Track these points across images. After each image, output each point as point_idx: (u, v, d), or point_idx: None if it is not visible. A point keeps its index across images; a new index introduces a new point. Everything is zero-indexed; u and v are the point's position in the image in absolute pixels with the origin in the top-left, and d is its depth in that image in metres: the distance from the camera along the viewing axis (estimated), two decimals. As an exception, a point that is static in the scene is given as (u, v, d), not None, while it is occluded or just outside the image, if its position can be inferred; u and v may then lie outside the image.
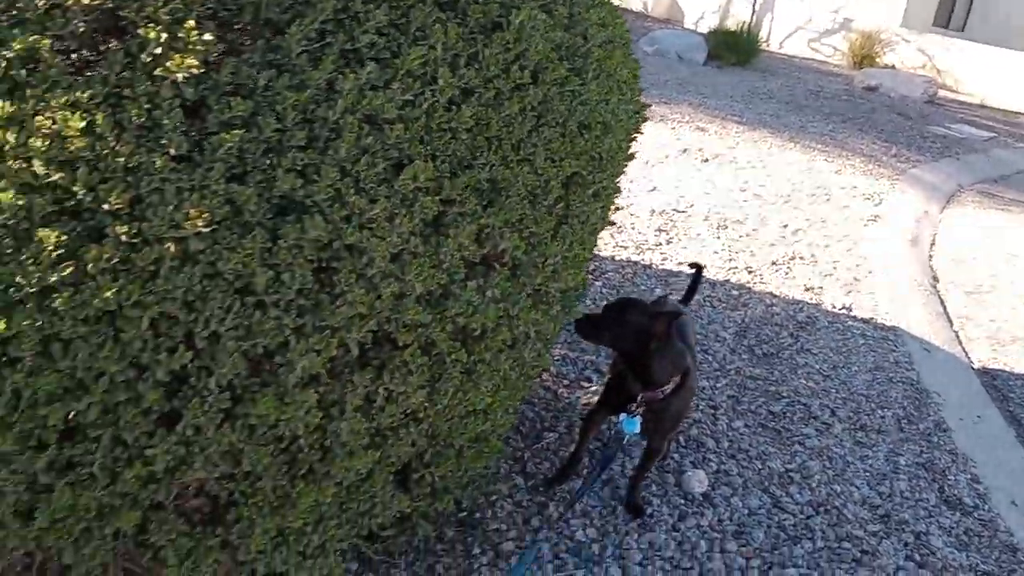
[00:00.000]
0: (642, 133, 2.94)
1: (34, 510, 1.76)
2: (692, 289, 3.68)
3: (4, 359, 1.60)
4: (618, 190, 2.78)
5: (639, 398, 2.96)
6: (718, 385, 4.11)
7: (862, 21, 15.76)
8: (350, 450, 2.17)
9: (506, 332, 2.38)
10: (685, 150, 7.71)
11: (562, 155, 2.34)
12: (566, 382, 3.88)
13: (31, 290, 1.58)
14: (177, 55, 1.65)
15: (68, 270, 1.59)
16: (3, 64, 1.57)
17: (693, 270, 3.69)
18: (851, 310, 5.28)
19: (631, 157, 2.82)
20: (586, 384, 3.87)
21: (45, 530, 1.79)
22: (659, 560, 2.99)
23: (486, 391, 2.45)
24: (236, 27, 1.86)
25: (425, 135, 2.02)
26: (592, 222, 2.62)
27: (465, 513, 2.98)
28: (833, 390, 4.32)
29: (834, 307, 5.28)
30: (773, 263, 5.75)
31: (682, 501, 3.30)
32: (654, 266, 5.21)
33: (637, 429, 2.98)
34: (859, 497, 3.53)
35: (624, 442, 3.07)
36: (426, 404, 2.29)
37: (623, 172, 2.77)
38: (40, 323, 1.59)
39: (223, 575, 2.27)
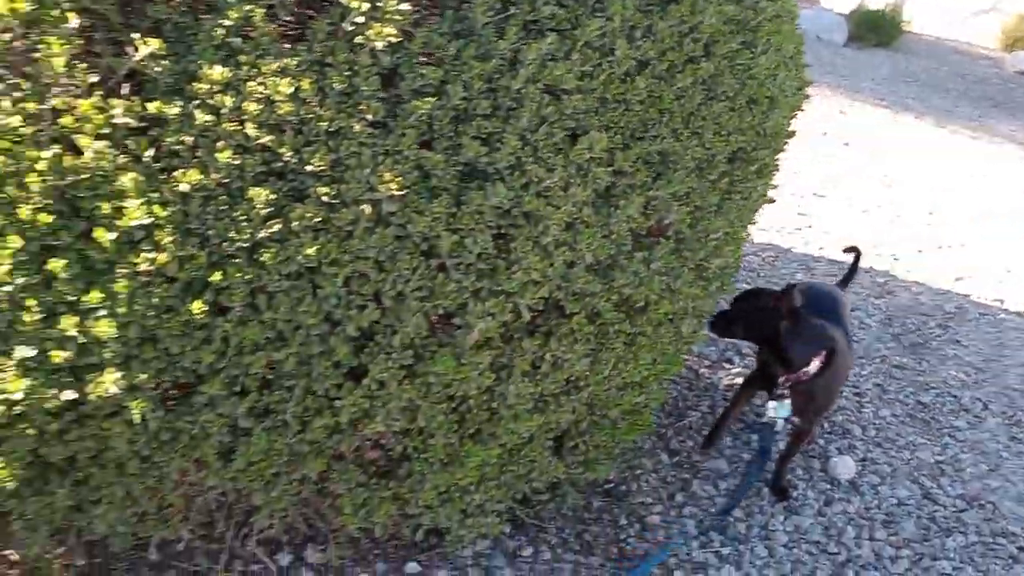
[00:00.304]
0: (803, 110, 2.89)
1: (233, 452, 1.88)
2: (851, 272, 3.62)
3: (216, 308, 1.71)
4: (777, 167, 2.74)
5: (782, 380, 2.94)
6: (863, 372, 4.00)
7: (1014, 1, 14.91)
8: (515, 413, 2.23)
9: (667, 305, 2.39)
10: (825, 133, 7.49)
11: (730, 129, 2.33)
12: (707, 363, 3.86)
13: (243, 245, 1.69)
14: (376, 24, 1.73)
15: (275, 227, 1.69)
16: (221, 32, 1.68)
17: (851, 254, 3.63)
18: (1003, 302, 5.05)
19: (792, 134, 2.78)
20: (727, 365, 3.84)
21: (242, 471, 1.91)
22: (805, 543, 2.95)
23: (644, 363, 2.47)
24: (426, -2, 1.94)
25: (600, 106, 2.05)
26: (754, 199, 2.60)
27: (611, 484, 3.01)
28: (986, 383, 4.14)
29: (985, 299, 5.06)
30: (919, 251, 5.54)
31: (828, 486, 3.24)
32: (794, 250, 5.10)
33: (788, 413, 2.96)
34: (1016, 493, 3.38)
35: (776, 429, 3.04)
36: (587, 373, 2.33)
37: (783, 149, 2.73)
38: (249, 276, 1.70)
39: (391, 527, 2.38)
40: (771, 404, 2.98)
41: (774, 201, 2.85)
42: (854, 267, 3.61)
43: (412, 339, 1.95)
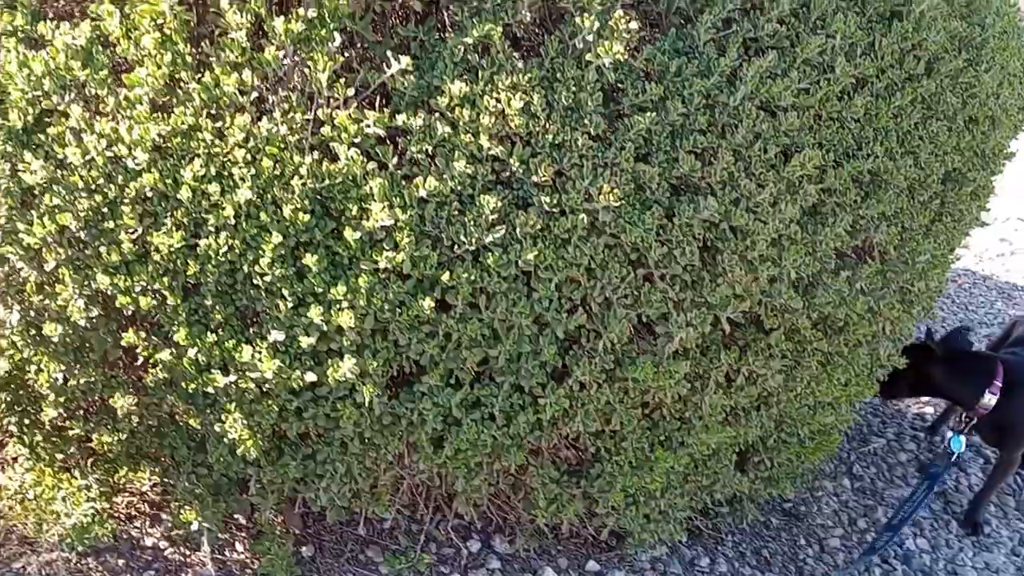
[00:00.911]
0: None
1: (444, 439, 2.01)
2: None
3: (442, 305, 1.84)
4: (992, 190, 2.64)
5: (962, 416, 2.97)
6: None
7: None
8: (706, 424, 2.26)
9: (867, 327, 2.36)
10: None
11: (946, 149, 2.27)
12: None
13: (470, 248, 1.80)
14: (605, 42, 1.80)
15: (500, 232, 1.80)
16: (461, 49, 1.80)
17: None
18: None
19: (1011, 156, 2.67)
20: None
21: (450, 458, 2.04)
22: (997, 583, 2.83)
23: (837, 384, 2.45)
24: (649, 16, 2.00)
25: (815, 123, 2.05)
26: (965, 221, 2.53)
27: (791, 504, 2.99)
28: None
29: None
30: None
31: (1023, 525, 3.09)
32: (994, 277, 4.84)
33: (961, 448, 2.94)
34: None
35: (952, 459, 2.96)
36: (780, 389, 2.33)
37: (1001, 171, 2.63)
38: (473, 277, 1.81)
39: (576, 524, 2.47)
40: (949, 434, 2.99)
41: (987, 225, 2.74)
42: None
43: (615, 344, 2.02)
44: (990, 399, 2.85)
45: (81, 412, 2.00)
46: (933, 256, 2.44)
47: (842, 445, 3.30)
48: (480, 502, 2.30)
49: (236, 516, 2.35)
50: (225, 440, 1.91)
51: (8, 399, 2.03)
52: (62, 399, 1.95)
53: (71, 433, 1.96)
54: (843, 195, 2.14)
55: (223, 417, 1.89)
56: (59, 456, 2.10)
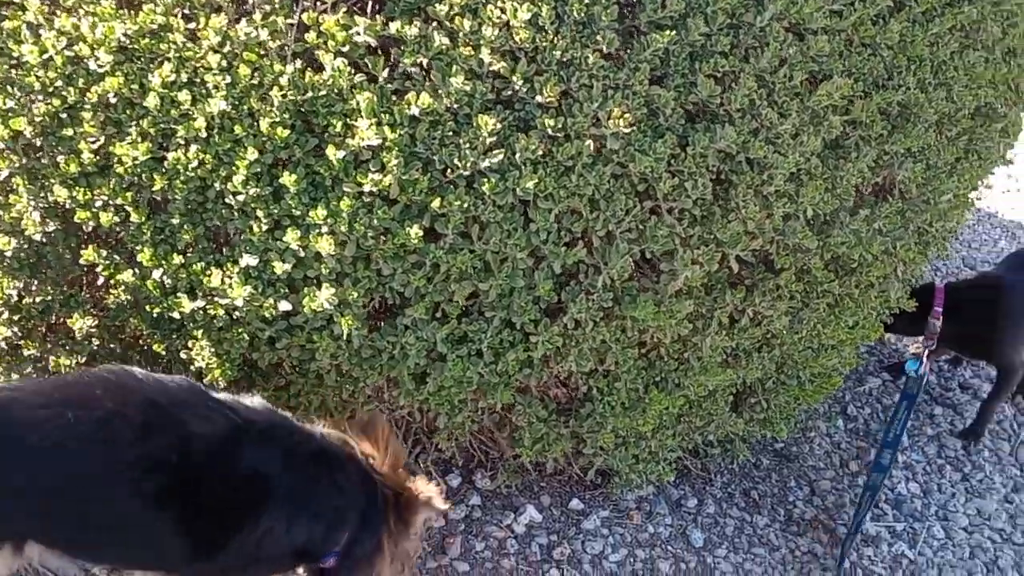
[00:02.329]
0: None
1: (427, 375, 1.89)
2: None
3: (431, 234, 1.69)
4: (1022, 126, 2.48)
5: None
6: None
7: None
8: (705, 365, 2.14)
9: (881, 268, 2.23)
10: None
11: (981, 82, 2.11)
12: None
13: (464, 173, 1.64)
14: (622, -52, 1.61)
15: (498, 157, 1.64)
16: (463, -50, 1.61)
17: None
18: None
19: (1045, 90, 2.51)
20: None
21: (432, 395, 1.92)
22: (988, 529, 2.78)
23: (845, 326, 2.33)
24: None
25: (846, 49, 1.88)
26: (992, 160, 2.37)
27: (783, 445, 2.91)
28: None
29: None
30: None
31: (1018, 472, 3.02)
32: (999, 215, 4.71)
33: (920, 369, 2.90)
34: None
35: (907, 379, 2.93)
36: (785, 331, 2.21)
37: (1033, 105, 2.47)
38: (466, 204, 1.66)
39: (562, 462, 2.38)
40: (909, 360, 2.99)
41: (1011, 163, 2.59)
42: None
43: (614, 281, 1.88)
44: (934, 325, 2.90)
45: (38, 332, 1.86)
46: (956, 195, 2.31)
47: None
48: (463, 438, 2.20)
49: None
50: (192, 368, 1.78)
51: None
52: (16, 318, 1.80)
53: (26, 354, 1.83)
54: (869, 128, 1.98)
55: (189, 344, 1.76)
56: (14, 378, 1.96)
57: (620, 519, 2.50)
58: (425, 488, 1.75)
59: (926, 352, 2.93)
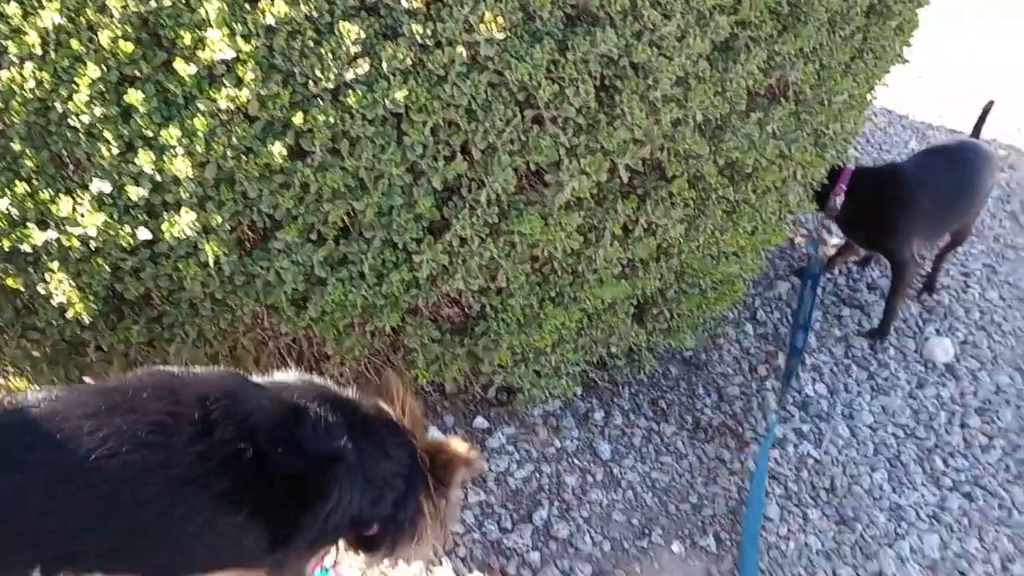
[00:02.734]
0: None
1: (307, 300, 1.82)
2: (979, 124, 3.39)
3: (297, 152, 1.60)
4: (917, 24, 2.44)
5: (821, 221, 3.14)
6: (972, 251, 3.75)
7: None
8: (601, 278, 2.11)
9: (777, 172, 2.20)
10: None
11: (874, -23, 2.05)
12: (804, 231, 3.65)
13: (328, 85, 1.55)
14: None
15: (363, 67, 1.54)
16: None
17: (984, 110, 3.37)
18: None
19: (942, -15, 2.46)
20: (826, 234, 3.62)
21: (315, 320, 1.85)
22: (892, 425, 2.84)
23: (743, 232, 2.31)
24: None
25: (732, -57, 1.80)
26: (887, 58, 2.33)
27: (691, 353, 2.91)
28: (1105, 265, 3.86)
29: (1115, 176, 4.65)
30: (1047, 120, 5.08)
31: (922, 369, 3.09)
32: (910, 116, 4.71)
33: (816, 251, 3.13)
34: None
35: (809, 258, 3.12)
36: (682, 239, 2.18)
37: (928, 2, 2.42)
38: (332, 119, 1.57)
39: (462, 382, 2.34)
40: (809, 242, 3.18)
41: (908, 62, 2.56)
42: (982, 119, 3.34)
43: (499, 195, 1.82)
44: (836, 201, 2.99)
45: None
46: (851, 96, 2.27)
47: (747, 291, 3.22)
48: (356, 363, 2.14)
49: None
50: (53, 303, 1.68)
51: None
52: None
53: None
54: (758, 28, 1.92)
55: (47, 278, 1.65)
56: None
57: (526, 435, 2.49)
58: (460, 447, 1.76)
59: (823, 230, 3.13)
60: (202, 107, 1.52)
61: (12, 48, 1.49)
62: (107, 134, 1.53)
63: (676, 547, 2.30)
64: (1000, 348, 3.23)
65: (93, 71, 1.49)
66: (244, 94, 1.51)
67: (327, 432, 1.51)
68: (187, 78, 1.51)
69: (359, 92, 1.55)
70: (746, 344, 3.02)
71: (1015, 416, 2.95)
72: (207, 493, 1.36)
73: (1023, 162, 4.51)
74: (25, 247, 1.60)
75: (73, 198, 1.56)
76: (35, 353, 1.87)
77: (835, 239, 3.46)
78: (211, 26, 1.49)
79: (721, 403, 2.78)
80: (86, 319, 1.69)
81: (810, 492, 2.55)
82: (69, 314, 1.68)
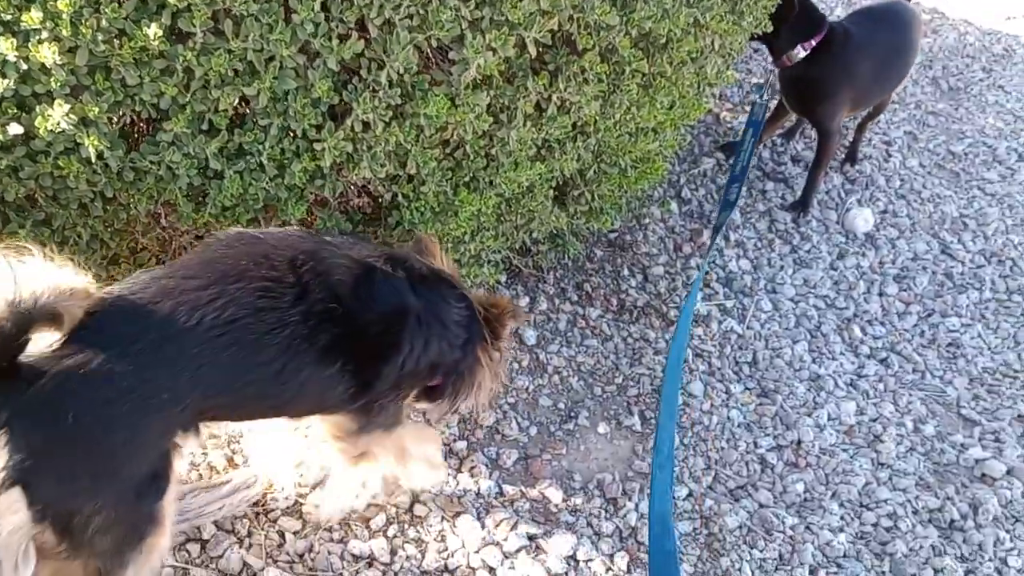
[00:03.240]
0: None
1: (205, 195, 1.73)
2: None
3: (176, 34, 1.49)
4: None
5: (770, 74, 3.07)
6: (894, 119, 3.76)
7: None
8: (516, 160, 2.05)
9: (692, 42, 2.13)
10: None
11: None
12: (729, 105, 3.61)
13: (200, -41, 1.43)
14: None
15: (238, -63, 1.42)
16: None
17: None
18: (1055, 44, 4.67)
19: None
20: (749, 108, 3.58)
21: (215, 216, 1.77)
22: (813, 297, 2.88)
23: (661, 108, 2.25)
24: None
25: None
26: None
27: (616, 234, 2.89)
28: (1024, 133, 3.91)
29: (1036, 40, 4.68)
30: (971, -15, 5.06)
31: (843, 240, 3.12)
32: (836, -20, 4.66)
33: (763, 98, 3.11)
34: (1038, 250, 3.28)
35: (753, 105, 3.11)
36: (597, 117, 2.12)
37: None
38: (211, -3, 1.45)
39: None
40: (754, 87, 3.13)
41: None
42: None
43: (401, 76, 1.73)
44: (799, 52, 2.93)
45: None
46: (768, -40, 2.19)
47: (671, 168, 3.20)
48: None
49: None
50: (-75, 210, 1.57)
51: None
52: None
53: None
54: None
55: (-86, 182, 1.54)
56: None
57: (450, 324, 2.46)
58: (506, 301, 1.89)
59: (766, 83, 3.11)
60: (64, -13, 1.39)
61: None
62: (-40, 20, 1.40)
63: (602, 428, 2.32)
64: (919, 215, 3.28)
65: (-65, -51, 1.35)
66: (110, -30, 1.39)
67: (396, 288, 1.64)
68: (44, -46, 1.38)
69: (237, -35, 1.44)
70: (671, 223, 3.01)
71: (931, 282, 3.02)
72: (313, 349, 1.50)
73: (946, 27, 4.49)
74: None
75: (-70, 93, 1.44)
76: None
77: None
78: None
79: (646, 283, 2.78)
80: (-37, 225, 1.59)
81: (733, 367, 2.59)
82: (-56, 221, 1.57)
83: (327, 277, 1.53)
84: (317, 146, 1.73)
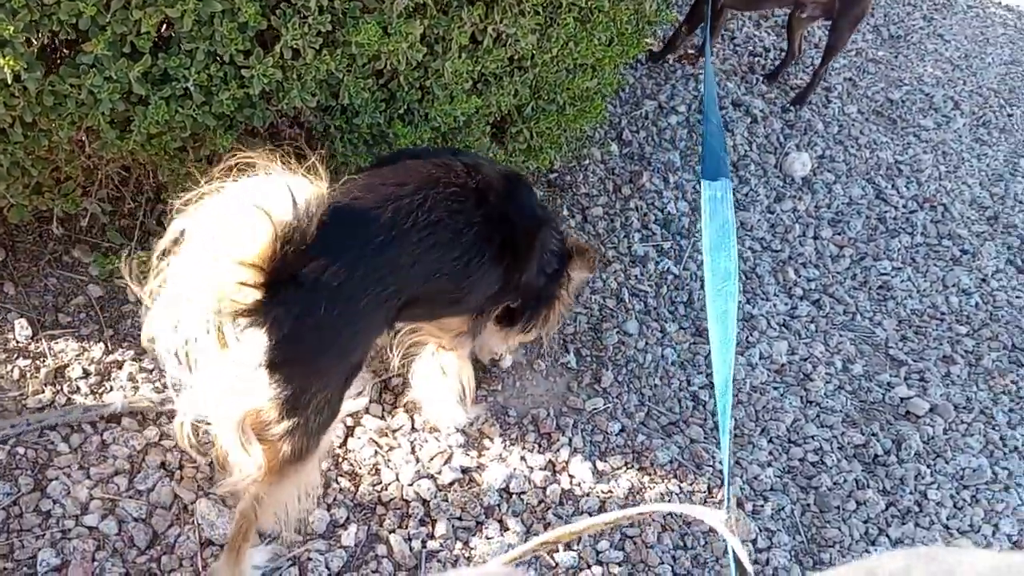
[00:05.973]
0: None
1: (130, 122, 1.69)
2: None
3: (90, -49, 1.44)
4: None
5: None
6: (835, 66, 3.79)
7: None
8: (451, 93, 2.03)
9: (630, -23, 2.12)
10: None
11: None
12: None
13: None
14: None
15: None
16: None
17: None
18: (996, -6, 4.74)
19: None
20: (691, 51, 3.59)
21: (141, 144, 1.73)
22: (749, 240, 2.93)
23: (599, 44, 2.25)
24: None
25: None
26: None
27: (556, 175, 2.90)
28: (961, 81, 3.98)
29: (977, -10, 4.74)
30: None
31: (781, 183, 3.16)
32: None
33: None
34: (969, 196, 3.35)
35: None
36: (534, 51, 2.11)
37: None
38: (126, -89, 1.41)
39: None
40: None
41: None
42: None
43: (331, 1, 1.70)
44: None
45: None
46: None
47: (612, 110, 3.20)
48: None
49: None
50: None
51: None
52: None
53: None
54: None
55: None
56: None
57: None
58: (594, 250, 2.05)
59: None
60: (-29, -103, 1.34)
61: None
62: None
63: (538, 364, 2.35)
64: (855, 161, 3.33)
65: None
66: None
67: (532, 201, 1.81)
68: None
69: None
70: (611, 164, 3.02)
71: (864, 226, 3.08)
72: (491, 247, 1.67)
73: (888, -24, 4.53)
74: None
75: None
76: None
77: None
78: None
79: (585, 224, 2.80)
80: None
81: (669, 307, 2.62)
82: None
83: (493, 186, 1.67)
84: (245, 73, 1.69)
